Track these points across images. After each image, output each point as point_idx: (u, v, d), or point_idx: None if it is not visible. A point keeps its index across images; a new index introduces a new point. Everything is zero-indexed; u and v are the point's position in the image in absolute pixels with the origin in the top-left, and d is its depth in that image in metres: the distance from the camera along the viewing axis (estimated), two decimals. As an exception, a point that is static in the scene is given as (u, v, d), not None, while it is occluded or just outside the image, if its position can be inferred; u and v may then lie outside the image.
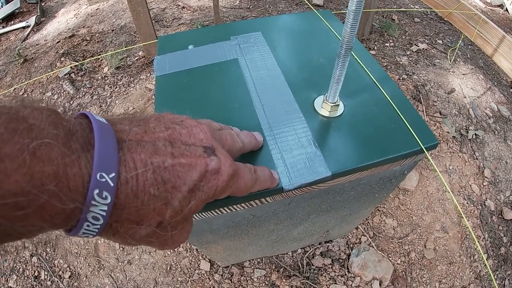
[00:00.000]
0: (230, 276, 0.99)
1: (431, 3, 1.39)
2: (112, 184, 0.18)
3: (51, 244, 1.09)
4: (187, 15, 2.03)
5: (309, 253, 1.02)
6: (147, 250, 1.06)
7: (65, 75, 1.61)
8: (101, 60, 1.70)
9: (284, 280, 0.96)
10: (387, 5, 2.13)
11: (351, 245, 1.04)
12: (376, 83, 0.49)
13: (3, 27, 2.05)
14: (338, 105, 0.44)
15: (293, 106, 0.45)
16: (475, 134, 1.38)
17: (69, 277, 1.02)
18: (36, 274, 1.03)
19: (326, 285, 0.96)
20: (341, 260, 1.01)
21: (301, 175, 0.37)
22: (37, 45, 1.87)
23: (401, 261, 1.03)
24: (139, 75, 1.62)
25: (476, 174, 1.26)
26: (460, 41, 1.75)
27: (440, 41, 1.83)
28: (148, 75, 1.62)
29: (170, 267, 1.02)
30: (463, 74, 1.63)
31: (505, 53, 1.10)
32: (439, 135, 1.36)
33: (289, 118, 0.43)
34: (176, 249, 1.05)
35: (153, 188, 0.19)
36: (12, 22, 2.09)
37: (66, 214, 0.17)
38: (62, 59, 1.70)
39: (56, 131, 0.17)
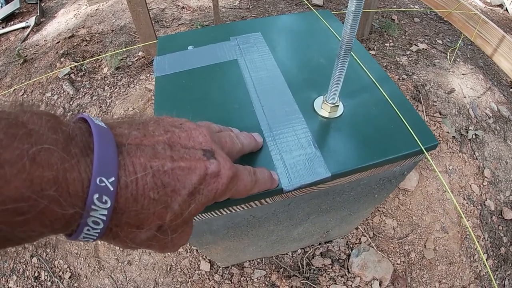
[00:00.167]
0: (230, 276, 0.99)
1: (431, 3, 1.39)
2: (111, 189, 0.18)
3: (51, 245, 1.09)
4: (187, 16, 2.03)
5: (309, 253, 1.02)
6: (147, 251, 1.05)
7: (64, 75, 1.61)
8: (101, 61, 1.70)
9: (284, 281, 0.96)
10: (386, 5, 2.13)
11: (351, 246, 1.04)
12: (376, 83, 0.49)
13: (3, 27, 2.05)
14: (338, 105, 0.44)
15: (292, 106, 0.45)
16: (475, 134, 1.38)
17: (69, 277, 1.02)
18: (36, 274, 1.03)
19: (326, 285, 0.96)
20: (341, 261, 1.01)
21: (301, 176, 0.37)
22: (36, 45, 1.87)
23: (401, 261, 1.03)
24: (139, 76, 1.62)
25: (476, 174, 1.26)
26: (460, 41, 1.75)
27: (440, 41, 1.83)
28: (148, 75, 1.62)
29: (170, 268, 1.02)
30: (463, 74, 1.63)
31: (505, 53, 1.10)
32: (439, 135, 1.36)
33: (289, 118, 0.43)
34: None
35: (152, 192, 0.19)
36: (12, 23, 2.09)
37: (66, 219, 0.17)
38: (61, 59, 1.70)
39: (55, 136, 0.17)
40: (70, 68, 1.64)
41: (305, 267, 1.00)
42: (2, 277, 1.03)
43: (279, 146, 0.40)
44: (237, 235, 0.59)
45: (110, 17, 2.05)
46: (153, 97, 1.49)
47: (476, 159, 1.31)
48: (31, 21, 2.01)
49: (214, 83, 0.50)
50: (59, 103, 1.50)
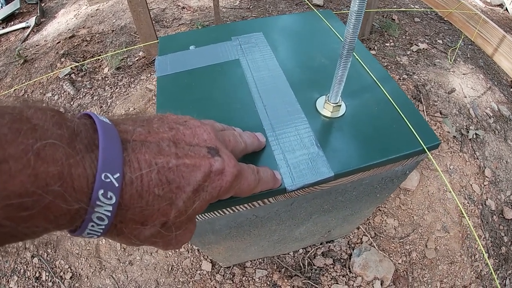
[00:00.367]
0: (231, 276, 0.99)
1: (431, 3, 1.39)
2: (117, 185, 0.18)
3: (52, 245, 1.09)
4: (187, 16, 2.03)
5: (311, 253, 1.02)
6: (149, 251, 1.06)
7: (65, 75, 1.61)
8: (101, 61, 1.70)
9: (285, 280, 0.96)
10: (387, 5, 2.13)
11: (353, 245, 1.04)
12: (378, 83, 0.49)
13: (3, 27, 2.05)
14: (340, 105, 0.44)
15: (295, 106, 0.45)
16: (476, 134, 1.38)
17: (70, 278, 1.02)
18: (37, 275, 1.03)
19: (328, 285, 0.96)
20: (342, 260, 1.01)
21: (304, 176, 0.37)
22: (37, 45, 1.87)
23: (402, 261, 1.03)
24: (140, 76, 1.62)
25: (476, 174, 1.26)
26: (460, 41, 1.75)
27: (440, 41, 1.83)
28: (149, 75, 1.62)
29: (171, 268, 1.02)
30: (464, 74, 1.63)
31: (506, 53, 1.10)
32: (440, 135, 1.36)
33: (291, 118, 0.43)
34: (177, 250, 1.05)
35: (157, 189, 0.20)
36: (12, 23, 2.09)
37: (71, 214, 0.17)
38: (62, 59, 1.70)
39: (60, 132, 0.16)
40: (71, 68, 1.64)
41: (306, 266, 1.00)
42: (3, 278, 1.03)
43: (282, 145, 0.40)
44: (239, 235, 0.59)
45: (111, 17, 2.05)
46: (154, 97, 1.49)
47: (477, 158, 1.31)
48: (31, 21, 2.01)
49: (216, 83, 0.50)
50: (59, 103, 1.50)
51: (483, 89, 1.57)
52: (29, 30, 1.97)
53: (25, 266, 1.05)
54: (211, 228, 0.51)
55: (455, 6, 1.25)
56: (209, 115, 0.45)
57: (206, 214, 0.40)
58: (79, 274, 1.03)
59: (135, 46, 1.76)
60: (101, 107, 1.50)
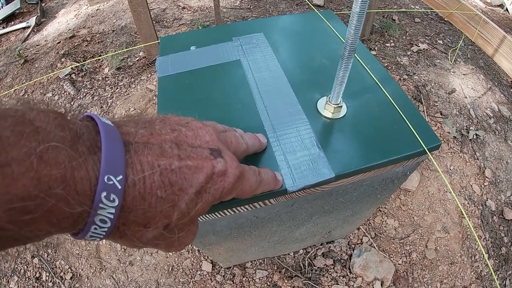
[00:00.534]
0: (232, 277, 0.99)
1: (432, 3, 1.39)
2: (119, 187, 0.18)
3: (52, 245, 1.09)
4: (188, 16, 2.03)
5: (311, 253, 1.02)
6: (149, 251, 1.06)
7: (65, 75, 1.61)
8: (102, 61, 1.70)
9: (286, 281, 0.96)
10: (387, 5, 2.13)
11: (353, 246, 1.04)
12: (379, 84, 0.49)
13: (3, 27, 2.05)
14: (341, 106, 0.44)
15: (296, 107, 0.45)
16: (476, 134, 1.38)
17: (71, 278, 1.02)
18: (37, 275, 1.03)
19: (328, 285, 0.96)
20: (342, 261, 1.01)
21: (305, 177, 0.37)
22: (37, 45, 1.87)
23: (402, 262, 1.03)
24: (140, 76, 1.62)
25: (477, 174, 1.26)
26: (461, 41, 1.75)
27: (440, 41, 1.83)
28: (149, 75, 1.62)
29: (172, 268, 1.02)
30: (464, 74, 1.63)
31: (506, 54, 1.10)
32: (440, 135, 1.36)
33: (292, 119, 0.43)
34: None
35: (160, 191, 0.19)
36: (13, 23, 2.09)
37: (74, 217, 0.17)
38: (62, 59, 1.70)
39: (63, 134, 0.16)
40: (71, 68, 1.64)
41: (307, 267, 1.00)
42: (3, 278, 1.03)
43: (283, 146, 0.40)
44: (240, 236, 0.59)
45: (111, 17, 2.05)
46: (154, 97, 1.49)
47: (477, 159, 1.31)
48: (32, 21, 2.01)
49: (217, 83, 0.50)
50: (60, 104, 1.50)
51: (484, 90, 1.57)
52: (29, 30, 1.97)
53: (25, 266, 1.05)
54: (212, 229, 0.51)
55: (456, 6, 1.25)
56: (210, 115, 0.45)
57: (207, 215, 0.40)
58: (79, 275, 1.03)
59: (136, 47, 1.76)
60: (102, 107, 1.50)
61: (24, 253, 1.07)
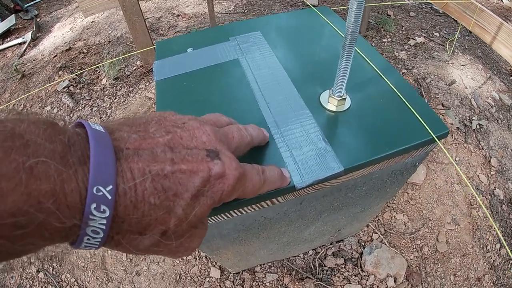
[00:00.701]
0: (241, 282, 0.97)
1: (426, -5, 1.39)
2: (109, 197, 0.17)
3: (57, 259, 1.07)
4: (183, 23, 2.04)
5: (321, 254, 1.00)
6: (155, 260, 1.04)
7: (63, 88, 1.61)
8: (99, 72, 1.70)
9: (297, 283, 0.95)
10: (382, 0, 2.13)
11: (363, 243, 1.02)
12: (381, 74, 0.48)
13: (0, 44, 2.06)
14: (345, 98, 0.43)
15: (298, 102, 0.44)
16: (479, 124, 1.37)
17: (78, 292, 1.00)
18: (44, 290, 1.02)
19: (340, 285, 0.94)
20: (353, 259, 0.99)
21: (313, 172, 0.36)
22: (34, 60, 1.87)
23: (414, 257, 1.01)
24: (138, 85, 1.62)
25: (483, 164, 1.25)
26: (457, 33, 1.75)
27: (437, 34, 1.82)
28: (147, 84, 1.62)
29: (179, 277, 1.00)
30: (463, 65, 1.62)
31: (504, 40, 1.09)
32: (443, 127, 1.34)
33: (296, 114, 0.42)
34: (185, 258, 1.04)
35: (153, 197, 0.19)
36: (8, 39, 2.09)
37: (66, 231, 0.16)
38: (60, 72, 1.70)
39: (52, 146, 0.16)
40: (69, 80, 1.64)
41: (317, 268, 0.98)
42: (9, 295, 1.02)
43: (288, 142, 0.39)
44: (248, 238, 0.57)
45: (106, 28, 2.05)
46: (153, 105, 1.48)
47: (482, 149, 1.29)
48: (28, 36, 2.02)
49: (216, 83, 0.49)
50: (59, 116, 1.50)
51: (483, 79, 1.56)
52: (25, 45, 1.98)
53: (31, 281, 1.03)
54: (218, 233, 0.49)
55: (450, -3, 1.25)
56: (211, 116, 0.44)
57: (212, 217, 0.39)
58: (86, 287, 1.01)
59: (132, 53, 1.76)
60: (101, 117, 1.49)
61: (29, 267, 1.05)
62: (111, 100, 1.56)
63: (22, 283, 1.03)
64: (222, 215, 0.40)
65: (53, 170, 0.15)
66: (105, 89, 1.61)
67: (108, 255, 1.06)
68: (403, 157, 0.43)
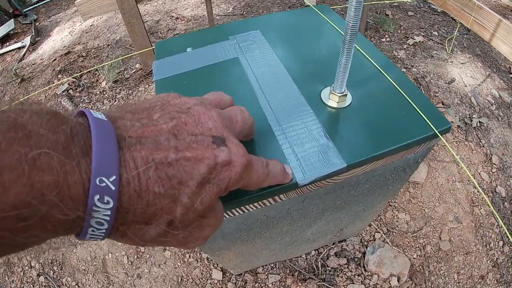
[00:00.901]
0: (243, 284, 0.96)
1: (424, -6, 1.39)
2: (113, 188, 0.17)
3: (58, 262, 1.07)
4: (182, 26, 2.04)
5: (323, 254, 1.00)
6: (157, 263, 1.03)
7: (63, 91, 1.61)
8: (99, 75, 1.70)
9: (300, 284, 0.94)
10: (379, 0, 2.14)
11: (366, 243, 1.02)
12: (381, 70, 0.48)
13: (-1, 49, 2.06)
14: (346, 95, 0.42)
15: (299, 99, 0.44)
16: (479, 122, 1.36)
17: (79, 295, 1.00)
18: (44, 295, 1.01)
19: (343, 285, 0.93)
20: (356, 259, 0.98)
21: (315, 168, 0.35)
22: (33, 64, 1.88)
23: (417, 255, 1.00)
24: (138, 88, 1.62)
25: (484, 162, 1.24)
26: (456, 31, 1.75)
27: (435, 33, 1.83)
28: (147, 86, 1.62)
29: (181, 279, 0.99)
30: (462, 63, 1.62)
31: (503, 37, 1.09)
32: (444, 125, 1.34)
33: (297, 111, 0.42)
34: (186, 260, 1.03)
35: (157, 186, 0.18)
36: (8, 44, 2.10)
37: (69, 222, 0.16)
38: (59, 76, 1.70)
39: (55, 137, 0.16)
40: (68, 84, 1.64)
41: (320, 268, 0.97)
42: (10, 300, 1.01)
43: (290, 139, 0.39)
44: (250, 238, 0.57)
45: (105, 31, 2.06)
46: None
47: (483, 146, 1.29)
48: (27, 41, 2.02)
49: (216, 82, 0.49)
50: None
51: (483, 77, 1.56)
52: (24, 49, 1.98)
53: (31, 285, 1.02)
54: (220, 232, 0.49)
55: (448, -5, 1.25)
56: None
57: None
58: (88, 291, 1.00)
59: (130, 54, 1.76)
60: (101, 120, 1.49)
61: (30, 271, 1.05)
62: (111, 103, 1.56)
63: (23, 287, 1.02)
64: (224, 213, 0.39)
65: (56, 162, 0.15)
66: (104, 92, 1.61)
67: (109, 258, 1.06)
68: (405, 153, 0.42)
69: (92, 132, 0.17)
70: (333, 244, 1.01)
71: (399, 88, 0.45)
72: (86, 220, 0.17)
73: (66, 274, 1.04)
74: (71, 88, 1.63)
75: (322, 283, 0.94)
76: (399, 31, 1.84)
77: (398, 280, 0.93)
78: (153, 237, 0.20)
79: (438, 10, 2.01)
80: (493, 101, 1.46)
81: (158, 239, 0.20)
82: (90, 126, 0.18)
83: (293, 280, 0.95)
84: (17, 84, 1.74)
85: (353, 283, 0.93)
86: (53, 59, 1.85)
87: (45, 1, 2.57)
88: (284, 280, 0.96)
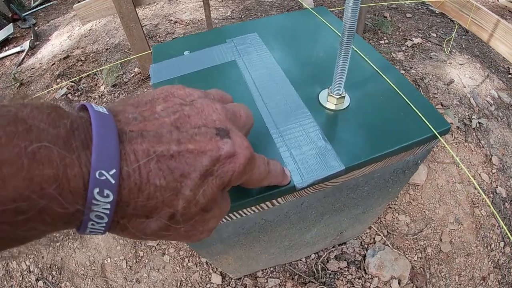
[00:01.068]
0: None
1: (422, -4, 1.40)
2: (113, 181, 0.17)
3: (56, 267, 1.06)
4: (180, 29, 2.04)
5: (323, 257, 0.99)
6: (156, 267, 1.02)
7: (62, 96, 1.61)
8: (97, 80, 1.70)
9: None
10: (377, 3, 2.14)
11: (366, 246, 1.01)
12: (379, 72, 0.48)
13: (-2, 54, 2.06)
14: (344, 96, 0.42)
15: (297, 102, 0.44)
16: (479, 123, 1.36)
17: (77, 301, 0.99)
18: (43, 300, 1.00)
19: (343, 288, 0.92)
20: (356, 262, 0.97)
21: (313, 171, 0.35)
22: (32, 68, 1.88)
23: (418, 258, 0.99)
24: (136, 91, 1.61)
25: (484, 163, 1.24)
26: (454, 32, 1.75)
27: (434, 34, 1.83)
28: (145, 90, 1.61)
29: (180, 283, 0.99)
30: (460, 64, 1.62)
31: (501, 37, 1.09)
32: (443, 126, 1.34)
33: (295, 114, 0.42)
34: (185, 264, 1.02)
35: (158, 179, 0.18)
36: (7, 48, 2.10)
37: (68, 216, 0.16)
38: (58, 80, 1.70)
39: (56, 131, 0.16)
40: (67, 88, 1.64)
41: (320, 272, 0.96)
42: (8, 306, 1.00)
43: (287, 142, 0.38)
44: (248, 242, 0.56)
45: (104, 36, 2.06)
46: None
47: (483, 147, 1.28)
48: (26, 45, 2.02)
49: (213, 85, 0.49)
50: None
51: (482, 78, 1.56)
52: (23, 54, 1.98)
53: (30, 292, 1.02)
54: (218, 237, 0.48)
55: (446, -3, 1.25)
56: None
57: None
58: (86, 297, 0.99)
59: (129, 58, 1.76)
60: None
61: (28, 276, 1.04)
62: (110, 107, 1.55)
63: (21, 293, 1.02)
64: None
65: (56, 155, 0.15)
66: (103, 96, 1.61)
67: (108, 263, 1.05)
68: (404, 155, 0.42)
69: (92, 125, 0.17)
70: (333, 247, 1.01)
71: (397, 90, 0.45)
72: (86, 214, 0.17)
73: (65, 279, 1.03)
74: (69, 92, 1.63)
75: (323, 286, 0.93)
76: (397, 33, 1.84)
77: (399, 283, 0.92)
78: (154, 231, 0.19)
79: (436, 12, 2.01)
80: (492, 102, 1.46)
81: (159, 233, 0.20)
82: (91, 120, 0.18)
83: (293, 284, 0.94)
84: (16, 88, 1.73)
85: (353, 286, 0.92)
86: (52, 63, 1.85)
87: (44, 6, 2.58)
88: (284, 284, 0.95)
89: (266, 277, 0.97)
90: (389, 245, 1.01)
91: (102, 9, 1.44)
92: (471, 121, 1.36)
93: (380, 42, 1.79)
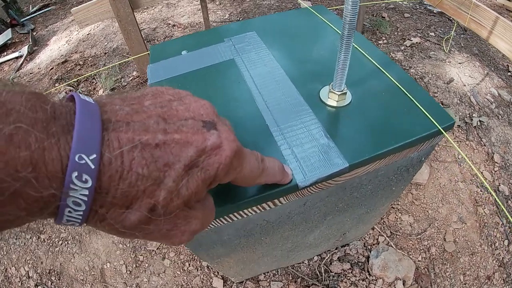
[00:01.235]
0: (245, 291, 0.94)
1: (420, -5, 1.39)
2: (92, 166, 0.16)
3: (55, 272, 1.04)
4: (178, 33, 2.04)
5: (326, 259, 0.98)
6: (156, 272, 1.01)
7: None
8: (96, 83, 1.69)
9: (302, 290, 0.92)
10: (375, 4, 2.15)
11: (369, 247, 0.99)
12: (381, 68, 0.47)
13: (-4, 59, 2.06)
14: (346, 93, 0.41)
15: (297, 99, 0.43)
16: (480, 121, 1.35)
17: (77, 307, 0.97)
18: (42, 307, 0.98)
19: (347, 291, 0.91)
20: (360, 264, 0.96)
21: (316, 169, 0.34)
22: (31, 73, 1.87)
23: (422, 258, 0.98)
24: (135, 94, 1.60)
25: (486, 161, 1.23)
26: (453, 31, 1.75)
27: (432, 33, 1.83)
28: (144, 93, 1.61)
29: None
30: (459, 63, 1.62)
31: (501, 34, 1.08)
32: (444, 125, 1.33)
33: (296, 111, 0.41)
34: (186, 268, 1.01)
35: (141, 168, 0.18)
36: (5, 53, 2.09)
37: (44, 200, 0.16)
38: (56, 84, 1.69)
39: (35, 115, 0.16)
40: (65, 92, 1.63)
41: (323, 274, 0.95)
42: (6, 314, 0.99)
43: (289, 140, 0.37)
44: (250, 245, 0.55)
45: (102, 40, 2.06)
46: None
47: (484, 145, 1.28)
48: (24, 50, 2.02)
49: (212, 83, 0.48)
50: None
51: (481, 76, 1.56)
52: (22, 59, 1.98)
53: (28, 299, 1.00)
54: (219, 239, 0.47)
55: (444, -5, 1.25)
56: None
57: (212, 222, 0.37)
58: (86, 303, 0.98)
59: (127, 59, 1.75)
60: (98, 128, 1.48)
61: (27, 282, 1.02)
62: (108, 111, 1.55)
63: (19, 300, 1.00)
64: (222, 219, 0.38)
65: (33, 138, 0.15)
66: (102, 100, 1.60)
67: (107, 268, 1.03)
68: (409, 151, 0.41)
69: (76, 111, 0.17)
70: (336, 249, 0.99)
71: (399, 85, 0.44)
72: (63, 199, 0.16)
73: (64, 284, 1.01)
74: (68, 97, 1.62)
75: (326, 288, 0.91)
76: (396, 33, 1.84)
77: (403, 284, 0.91)
78: (134, 224, 0.19)
79: (434, 11, 2.01)
80: (492, 100, 1.45)
81: (139, 227, 0.19)
82: (75, 108, 0.18)
83: (296, 286, 0.93)
84: (14, 93, 1.73)
85: (357, 288, 0.91)
86: (50, 68, 1.85)
87: (43, 11, 2.58)
88: (287, 287, 0.94)
89: (268, 280, 0.95)
90: (393, 245, 0.99)
91: (100, 13, 1.44)
92: (472, 120, 1.36)
93: (379, 42, 1.78)
